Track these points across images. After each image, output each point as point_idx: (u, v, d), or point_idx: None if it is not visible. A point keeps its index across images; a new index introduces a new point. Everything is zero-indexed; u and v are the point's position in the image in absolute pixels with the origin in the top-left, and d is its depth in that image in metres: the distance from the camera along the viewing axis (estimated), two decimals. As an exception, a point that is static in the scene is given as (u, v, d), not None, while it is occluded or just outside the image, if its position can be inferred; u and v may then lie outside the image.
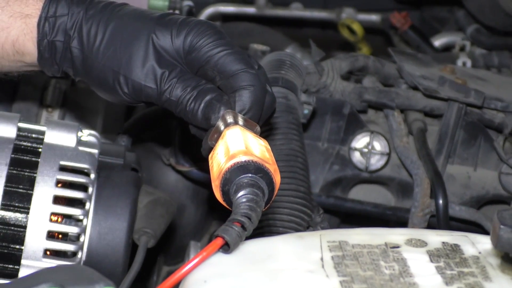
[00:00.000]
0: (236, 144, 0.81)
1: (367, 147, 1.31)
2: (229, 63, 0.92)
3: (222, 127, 0.86)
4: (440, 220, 1.22)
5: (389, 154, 1.31)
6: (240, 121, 0.88)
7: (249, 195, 0.75)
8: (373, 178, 1.34)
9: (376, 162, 1.32)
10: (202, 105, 0.91)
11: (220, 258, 0.72)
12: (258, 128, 0.90)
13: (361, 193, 1.35)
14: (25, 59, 0.99)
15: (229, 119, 0.87)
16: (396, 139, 1.31)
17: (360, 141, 1.31)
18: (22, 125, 1.02)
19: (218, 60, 0.92)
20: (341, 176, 1.32)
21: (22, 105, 1.26)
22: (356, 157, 1.31)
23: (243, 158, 0.78)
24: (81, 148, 1.03)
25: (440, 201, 1.21)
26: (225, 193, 0.78)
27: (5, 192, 0.93)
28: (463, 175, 1.32)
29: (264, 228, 1.00)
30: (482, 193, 1.33)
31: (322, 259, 0.72)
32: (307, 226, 1.05)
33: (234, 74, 0.91)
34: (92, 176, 1.00)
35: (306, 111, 1.22)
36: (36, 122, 1.19)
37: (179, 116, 0.95)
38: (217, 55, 0.92)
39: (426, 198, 1.24)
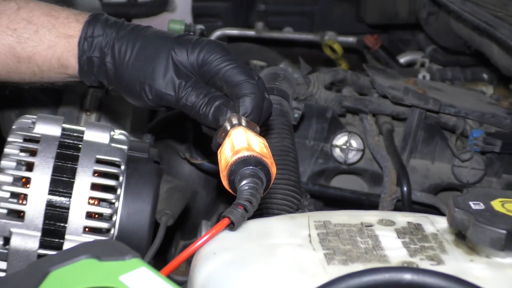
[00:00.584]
0: (240, 142, 0.81)
1: (345, 145, 1.31)
2: (234, 75, 0.92)
3: (228, 127, 0.86)
4: (404, 204, 1.22)
5: (363, 150, 1.32)
6: (243, 123, 0.87)
7: (250, 184, 0.76)
8: (350, 169, 1.34)
9: (353, 156, 1.32)
10: (212, 109, 0.90)
11: (226, 235, 0.73)
12: (257, 129, 0.90)
13: (341, 182, 1.36)
14: (68, 71, 0.98)
15: (234, 120, 0.87)
16: (369, 138, 1.31)
17: (340, 140, 1.32)
18: (66, 125, 1.02)
19: (225, 72, 0.92)
20: (324, 168, 1.32)
21: (66, 109, 1.26)
22: (337, 152, 1.31)
23: (245, 153, 0.78)
24: (113, 144, 1.02)
25: (405, 188, 1.21)
26: (231, 182, 0.78)
27: (52, 180, 0.92)
28: (423, 167, 1.33)
29: (262, 210, 1.00)
30: (438, 182, 1.34)
31: (309, 235, 0.71)
32: (297, 208, 1.05)
33: (238, 84, 0.91)
34: (122, 167, 1.00)
35: (296, 115, 1.22)
36: (77, 123, 1.18)
37: (193, 118, 0.94)
38: (224, 68, 0.92)
39: (393, 186, 1.24)
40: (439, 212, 1.28)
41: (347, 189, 1.32)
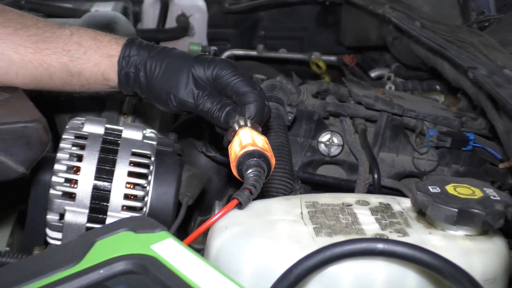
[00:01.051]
0: (246, 139, 0.81)
1: (328, 141, 1.30)
2: (241, 86, 0.91)
3: (236, 128, 0.85)
4: (375, 188, 1.21)
5: (343, 146, 1.30)
6: (249, 124, 0.86)
7: (255, 172, 0.76)
8: (332, 161, 1.32)
9: (334, 150, 1.30)
10: (224, 113, 0.89)
11: (235, 212, 0.72)
12: (260, 129, 0.89)
13: (325, 170, 1.35)
14: (110, 83, 0.97)
15: (241, 122, 0.86)
16: (347, 136, 1.30)
17: (324, 137, 1.30)
18: (108, 126, 1.01)
19: (234, 84, 0.91)
20: (312, 160, 1.31)
21: (107, 113, 1.25)
22: (322, 147, 1.30)
23: (251, 148, 0.78)
24: (145, 141, 1.01)
25: (375, 176, 1.20)
26: (239, 171, 0.78)
27: (97, 169, 0.92)
28: (389, 159, 1.32)
29: (264, 192, 0.98)
30: (401, 171, 1.32)
31: (301, 213, 0.71)
32: (290, 191, 1.04)
33: (244, 93, 0.90)
34: (152, 159, 0.99)
35: (290, 118, 1.21)
36: (116, 124, 1.17)
37: (209, 120, 0.93)
38: (233, 81, 0.91)
39: (366, 173, 1.23)
40: (402, 195, 1.27)
41: (330, 176, 1.31)
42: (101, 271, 0.53)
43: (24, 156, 0.83)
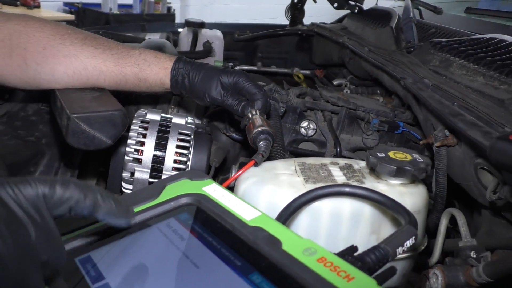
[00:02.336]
0: (258, 122, 0.81)
1: (307, 126, 1.28)
2: (252, 88, 0.91)
3: (250, 116, 0.86)
4: (338, 157, 1.19)
5: (316, 129, 1.28)
6: (258, 113, 0.87)
7: (265, 143, 0.77)
8: (309, 139, 1.30)
9: (310, 132, 1.28)
10: (241, 106, 0.90)
11: (253, 169, 0.72)
12: (265, 116, 0.89)
13: (304, 146, 1.33)
14: (165, 87, 0.97)
15: (253, 112, 0.87)
16: (319, 123, 1.28)
17: (304, 123, 1.28)
18: (163, 115, 1.01)
19: (247, 87, 0.91)
20: (295, 139, 1.29)
21: (160, 106, 1.25)
22: (302, 130, 1.28)
23: (261, 128, 0.79)
24: (187, 125, 1.02)
25: (338, 149, 1.19)
26: (254, 143, 0.79)
27: (156, 143, 0.93)
28: (347, 138, 1.30)
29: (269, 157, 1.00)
30: (354, 146, 1.31)
31: (295, 169, 0.71)
32: (282, 157, 1.04)
33: (254, 93, 0.91)
34: (192, 137, 0.99)
35: (282, 110, 1.22)
36: (166, 113, 1.18)
37: (230, 111, 0.94)
38: (247, 85, 0.92)
39: (332, 148, 1.21)
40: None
41: (307, 149, 1.31)
42: (171, 203, 0.56)
43: (111, 133, 0.84)
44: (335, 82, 1.80)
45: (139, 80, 0.97)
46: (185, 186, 0.58)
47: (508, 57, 0.96)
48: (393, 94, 1.42)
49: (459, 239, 0.82)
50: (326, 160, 0.74)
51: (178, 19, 5.19)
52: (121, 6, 4.73)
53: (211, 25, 2.10)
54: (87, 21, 4.30)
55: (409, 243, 0.47)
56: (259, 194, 0.64)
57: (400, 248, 0.46)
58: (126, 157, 0.98)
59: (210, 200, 0.54)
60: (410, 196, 0.63)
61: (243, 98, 0.94)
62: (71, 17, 4.09)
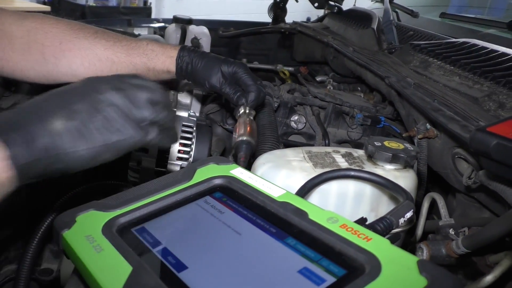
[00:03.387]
0: (241, 130, 0.88)
1: (297, 120, 1.35)
2: (247, 80, 0.98)
3: (240, 111, 0.94)
4: None
5: (305, 123, 1.35)
6: (247, 110, 0.95)
7: (243, 153, 0.83)
8: (298, 132, 1.37)
9: (300, 126, 1.35)
10: (236, 96, 0.97)
11: (267, 155, 0.79)
12: (254, 112, 0.97)
13: (294, 138, 1.39)
14: (171, 74, 1.03)
15: (241, 110, 0.94)
16: (308, 117, 1.35)
17: (294, 117, 1.35)
18: None
19: (244, 78, 0.99)
20: (286, 131, 1.36)
21: None
22: (293, 124, 1.35)
23: (241, 138, 0.86)
24: (190, 117, 1.09)
25: (326, 141, 1.29)
26: (235, 150, 0.86)
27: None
28: (333, 131, 1.37)
29: (263, 149, 1.06)
30: (340, 139, 1.38)
31: (304, 156, 0.78)
32: (277, 148, 1.12)
33: (249, 85, 0.98)
34: (194, 128, 1.06)
35: (276, 105, 1.30)
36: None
37: (227, 98, 1.01)
38: (243, 76, 0.99)
39: (320, 140, 1.30)
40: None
41: (297, 141, 1.38)
42: (205, 184, 0.64)
43: None
44: (318, 79, 1.88)
45: (148, 69, 1.02)
46: (214, 170, 0.66)
47: (480, 60, 1.09)
48: (374, 91, 1.54)
49: (438, 220, 0.93)
50: (329, 149, 0.82)
51: (154, 13, 5.19)
52: (97, -3, 4.71)
53: (197, 21, 2.16)
54: (62, 12, 4.26)
55: (408, 214, 0.58)
56: (275, 178, 0.72)
57: (402, 219, 0.57)
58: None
59: (239, 181, 0.63)
60: (403, 179, 0.73)
61: (240, 88, 1.01)
62: (47, 8, 4.04)
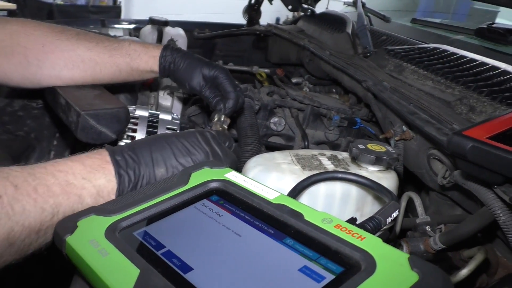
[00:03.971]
0: None
1: (277, 122, 1.38)
2: (227, 86, 1.02)
3: (215, 119, 0.99)
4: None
5: (285, 125, 1.38)
6: (222, 118, 0.98)
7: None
8: (278, 133, 1.39)
9: (280, 128, 1.37)
10: (214, 101, 1.01)
11: (257, 158, 0.81)
12: (228, 121, 1.00)
13: (274, 139, 1.41)
14: (154, 73, 1.06)
15: (217, 118, 0.98)
16: (287, 119, 1.37)
17: (274, 119, 1.37)
18: (150, 111, 1.08)
19: (224, 84, 1.02)
20: (266, 133, 1.38)
21: (139, 102, 1.31)
22: (272, 126, 1.37)
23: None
24: (173, 120, 1.10)
25: (306, 143, 1.32)
26: None
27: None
28: (311, 133, 1.40)
29: (248, 147, 1.10)
30: (317, 140, 1.41)
31: (292, 159, 0.80)
32: (259, 151, 1.13)
33: (228, 92, 1.01)
34: (178, 131, 1.08)
35: (257, 107, 1.32)
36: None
37: (206, 101, 1.04)
38: (223, 81, 1.02)
39: (300, 141, 1.33)
40: None
41: (276, 143, 1.40)
42: (201, 188, 0.66)
43: (116, 128, 0.91)
44: (293, 80, 1.91)
45: (131, 69, 1.04)
46: (209, 174, 0.68)
47: (451, 66, 1.15)
48: (349, 93, 1.58)
49: (415, 217, 0.98)
50: (315, 152, 0.85)
51: (123, 12, 5.12)
52: (65, -4, 4.61)
53: (172, 22, 2.16)
54: (28, 10, 4.15)
55: (395, 214, 0.62)
56: (266, 180, 0.75)
57: (389, 218, 0.61)
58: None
59: (234, 184, 0.65)
60: (386, 180, 0.77)
61: (219, 93, 1.03)
62: (12, 6, 3.93)
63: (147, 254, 0.53)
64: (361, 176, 0.70)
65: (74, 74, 0.99)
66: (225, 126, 0.98)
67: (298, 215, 0.57)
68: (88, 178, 0.63)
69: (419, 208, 0.95)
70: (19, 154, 1.09)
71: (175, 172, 0.71)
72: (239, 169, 0.88)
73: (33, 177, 0.58)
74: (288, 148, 1.39)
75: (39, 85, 0.98)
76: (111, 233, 0.56)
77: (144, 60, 1.04)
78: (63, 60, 0.97)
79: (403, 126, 1.06)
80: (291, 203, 0.60)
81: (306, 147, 1.33)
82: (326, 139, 1.43)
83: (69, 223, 0.58)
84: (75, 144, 1.16)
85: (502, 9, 2.33)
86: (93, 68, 1.00)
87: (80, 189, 0.61)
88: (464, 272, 0.76)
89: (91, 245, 0.54)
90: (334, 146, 1.45)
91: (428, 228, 0.90)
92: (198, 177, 0.68)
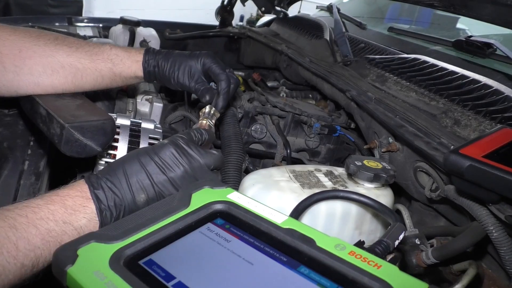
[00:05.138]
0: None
1: (257, 129, 1.36)
2: (216, 69, 1.01)
3: (206, 109, 0.95)
4: (288, 157, 1.30)
5: (266, 132, 1.36)
6: (212, 110, 0.95)
7: None
8: (259, 141, 1.37)
9: (261, 135, 1.36)
10: (202, 88, 1.01)
11: (254, 176, 0.80)
12: (218, 114, 0.97)
13: (256, 146, 1.39)
14: (138, 78, 1.04)
15: (207, 108, 0.95)
16: (268, 126, 1.36)
17: (255, 127, 1.35)
18: (132, 119, 1.04)
19: (213, 68, 1.01)
20: (247, 141, 1.36)
21: (117, 108, 1.27)
22: (253, 133, 1.35)
23: None
24: (156, 129, 1.07)
25: (288, 150, 1.31)
26: None
27: (128, 147, 0.98)
28: (292, 140, 1.38)
29: (231, 156, 1.09)
30: (298, 147, 1.41)
31: (289, 176, 0.80)
32: (243, 159, 1.12)
33: (218, 74, 1.01)
34: (161, 140, 1.04)
35: (239, 115, 1.30)
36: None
37: (196, 94, 1.03)
38: (212, 66, 1.01)
39: (282, 149, 1.31)
40: (301, 162, 1.40)
41: (258, 149, 1.39)
42: (204, 210, 0.63)
43: (102, 141, 0.87)
44: (268, 84, 1.90)
45: (114, 74, 1.01)
46: (210, 194, 0.66)
47: (433, 77, 1.17)
48: (328, 100, 1.58)
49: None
50: (311, 167, 0.84)
51: (84, 6, 4.94)
52: (22, -12, 4.38)
53: (143, 22, 2.10)
54: (-18, 2, 3.93)
55: (401, 236, 0.62)
56: (266, 199, 0.73)
57: (396, 241, 0.61)
58: (98, 161, 1.01)
59: (239, 206, 0.63)
60: (383, 197, 0.77)
61: (206, 82, 1.02)
62: (-34, -3, 3.71)
63: (157, 286, 0.50)
64: (364, 196, 0.69)
65: (53, 80, 0.94)
66: (213, 122, 0.94)
67: (309, 241, 0.56)
68: (69, 221, 0.63)
69: (407, 221, 0.95)
70: (-10, 165, 1.02)
71: (158, 192, 0.71)
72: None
73: (14, 230, 0.57)
74: (270, 155, 1.38)
75: (16, 93, 0.92)
76: (116, 262, 0.53)
77: (127, 65, 1.01)
78: (41, 66, 0.92)
79: (389, 138, 1.07)
80: (300, 228, 0.59)
81: (289, 155, 1.32)
82: (307, 146, 1.43)
83: (69, 252, 0.54)
84: (50, 153, 1.10)
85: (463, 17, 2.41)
86: (73, 74, 0.96)
87: (61, 235, 0.61)
88: (458, 287, 0.78)
89: (97, 277, 0.50)
90: (314, 153, 1.45)
91: (417, 241, 0.91)
92: (199, 198, 0.66)
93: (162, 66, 1.02)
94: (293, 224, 0.59)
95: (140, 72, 1.02)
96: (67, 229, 0.62)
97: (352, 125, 1.50)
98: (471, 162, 0.71)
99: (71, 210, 0.63)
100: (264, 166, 1.41)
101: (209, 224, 0.61)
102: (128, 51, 1.03)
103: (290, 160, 1.32)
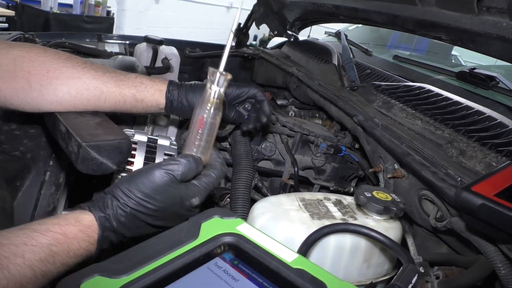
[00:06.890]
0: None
1: (267, 147, 1.29)
2: (246, 90, 1.00)
3: (207, 92, 0.77)
4: (295, 176, 1.23)
5: (275, 150, 1.30)
6: (222, 77, 0.75)
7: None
8: (268, 158, 1.31)
9: (270, 153, 1.29)
10: (232, 113, 1.00)
11: (264, 204, 0.72)
12: (223, 95, 0.79)
13: (265, 164, 1.33)
14: (160, 107, 0.96)
15: (217, 75, 0.74)
16: (278, 145, 1.29)
17: (265, 145, 1.29)
18: (149, 136, 0.98)
19: (242, 93, 0.99)
20: (257, 158, 1.29)
21: (136, 126, 1.21)
22: (263, 151, 1.29)
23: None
24: (171, 146, 1.00)
25: (296, 169, 1.24)
26: None
27: (144, 163, 0.91)
28: (299, 159, 1.32)
29: (241, 173, 1.02)
30: (305, 165, 1.34)
31: (299, 205, 0.73)
32: (253, 176, 1.06)
33: (249, 90, 1.00)
34: (175, 156, 0.98)
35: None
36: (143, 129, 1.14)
37: (227, 120, 1.00)
38: (239, 91, 0.99)
39: (290, 167, 1.25)
40: (308, 180, 1.33)
41: (267, 168, 1.32)
42: (213, 243, 0.56)
43: (117, 159, 0.80)
44: (278, 102, 1.83)
45: (136, 100, 0.93)
46: (220, 225, 0.58)
47: (438, 107, 1.08)
48: (334, 120, 1.51)
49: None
50: (320, 196, 0.77)
51: (116, 23, 4.91)
52: (61, 5, 4.37)
53: (166, 41, 2.04)
54: (25, 17, 3.90)
55: (414, 280, 0.53)
56: (275, 229, 0.66)
57: (410, 285, 0.52)
58: (115, 175, 0.95)
59: (248, 240, 0.55)
60: (392, 230, 0.69)
61: (234, 107, 0.98)
62: (11, 12, 3.68)
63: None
64: (375, 231, 0.61)
65: (76, 101, 0.87)
66: (222, 91, 0.72)
67: (321, 285, 0.48)
68: (67, 263, 0.56)
69: (412, 248, 0.87)
70: (14, 175, 0.96)
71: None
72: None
73: (6, 272, 0.48)
74: (278, 173, 1.30)
75: (38, 110, 0.86)
76: (120, 301, 0.45)
77: (151, 93, 0.94)
78: (66, 87, 0.86)
79: (395, 164, 0.99)
80: (311, 269, 0.50)
81: (296, 174, 1.24)
82: (313, 165, 1.35)
83: (71, 286, 0.46)
84: (70, 165, 1.03)
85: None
86: (97, 97, 0.89)
87: (56, 274, 0.54)
88: (463, 323, 0.69)
89: (99, 318, 0.42)
90: (319, 171, 1.37)
91: (421, 269, 0.82)
92: (208, 229, 0.58)
93: (182, 98, 0.95)
94: (304, 264, 0.51)
95: (162, 100, 0.95)
96: (63, 269, 0.55)
97: (356, 146, 1.42)
98: (483, 201, 0.63)
99: (73, 253, 0.56)
100: (272, 183, 1.33)
101: (217, 259, 0.53)
102: (152, 80, 0.97)
103: (298, 178, 1.24)
